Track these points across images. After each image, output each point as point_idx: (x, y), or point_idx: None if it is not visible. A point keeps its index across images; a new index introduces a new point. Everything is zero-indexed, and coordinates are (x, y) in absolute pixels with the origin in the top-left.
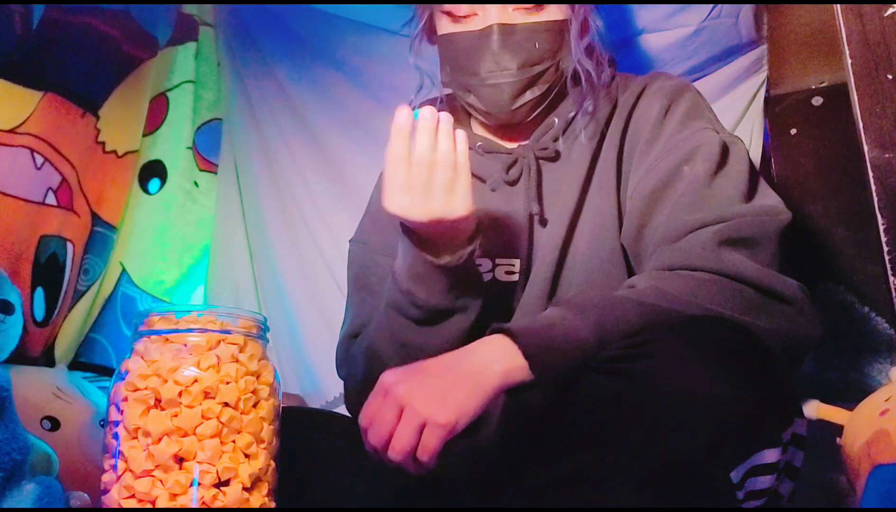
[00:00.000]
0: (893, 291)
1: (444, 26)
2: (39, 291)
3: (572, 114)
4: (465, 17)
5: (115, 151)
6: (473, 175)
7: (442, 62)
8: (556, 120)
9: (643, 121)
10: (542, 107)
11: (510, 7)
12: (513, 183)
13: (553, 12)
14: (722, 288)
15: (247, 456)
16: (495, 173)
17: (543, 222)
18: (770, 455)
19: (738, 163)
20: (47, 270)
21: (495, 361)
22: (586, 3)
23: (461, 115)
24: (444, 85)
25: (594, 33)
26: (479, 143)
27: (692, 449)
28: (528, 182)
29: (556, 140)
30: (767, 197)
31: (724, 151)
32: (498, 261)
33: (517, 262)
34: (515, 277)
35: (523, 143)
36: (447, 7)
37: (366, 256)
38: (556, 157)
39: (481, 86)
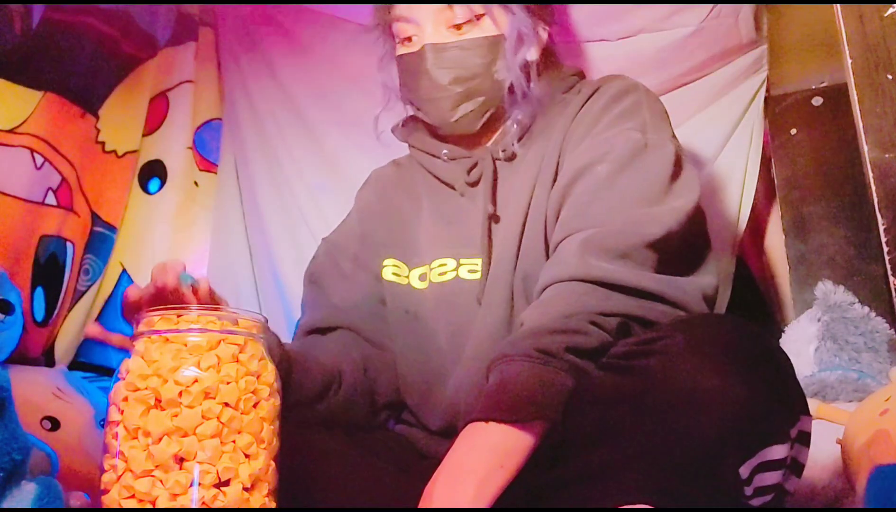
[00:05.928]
0: (893, 291)
1: (397, 49)
2: (39, 291)
3: (525, 121)
4: (407, 39)
5: (114, 151)
6: (442, 181)
7: (399, 81)
8: (515, 125)
9: (583, 120)
10: (487, 116)
11: (443, 27)
12: (474, 184)
13: (487, 28)
14: (588, 292)
15: (247, 456)
16: (460, 177)
17: (498, 221)
18: (778, 451)
19: (651, 165)
20: (47, 270)
21: (491, 455)
22: (587, 2)
23: (427, 126)
24: (404, 102)
25: (530, 47)
26: (445, 151)
27: (701, 445)
28: (486, 184)
29: (513, 143)
30: (680, 197)
31: (638, 152)
32: (462, 260)
33: (479, 261)
34: (478, 276)
35: (485, 146)
36: (393, 30)
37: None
38: (512, 158)
39: (423, 102)
